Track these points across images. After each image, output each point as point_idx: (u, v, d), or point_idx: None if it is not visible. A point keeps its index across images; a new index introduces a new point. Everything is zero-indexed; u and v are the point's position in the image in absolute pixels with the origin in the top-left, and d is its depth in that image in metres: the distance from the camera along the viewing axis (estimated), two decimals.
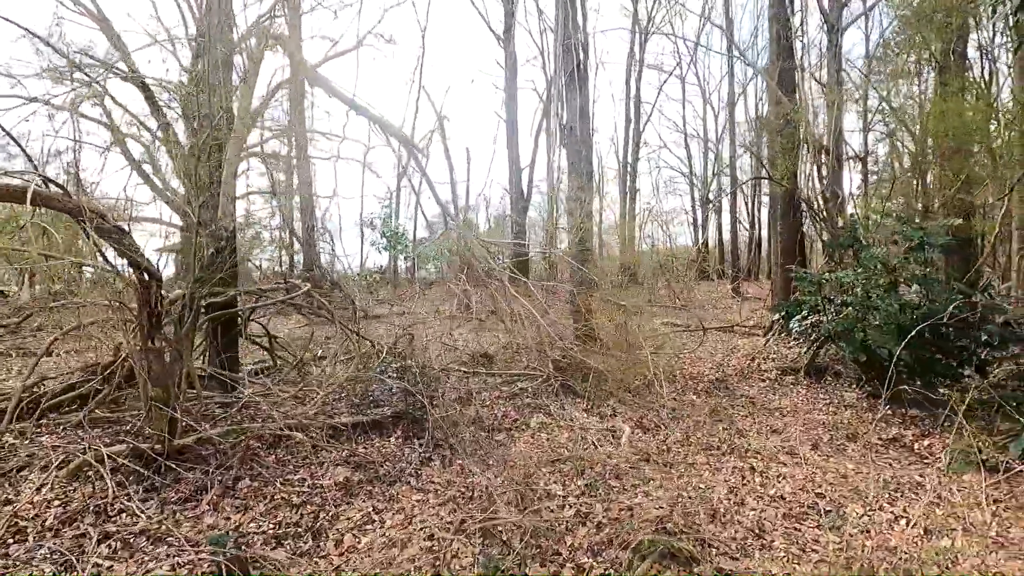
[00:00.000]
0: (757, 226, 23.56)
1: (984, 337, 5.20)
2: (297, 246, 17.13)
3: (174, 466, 3.69)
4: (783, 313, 6.58)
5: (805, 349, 6.78)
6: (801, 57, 9.89)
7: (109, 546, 2.90)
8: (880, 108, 14.38)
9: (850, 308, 5.30)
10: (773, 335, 7.97)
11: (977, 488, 3.70)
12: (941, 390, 5.61)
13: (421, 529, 3.23)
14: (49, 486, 3.40)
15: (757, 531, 3.22)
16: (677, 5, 23.56)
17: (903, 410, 5.46)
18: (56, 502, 3.27)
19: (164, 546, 2.94)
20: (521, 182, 19.49)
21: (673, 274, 16.57)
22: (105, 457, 3.52)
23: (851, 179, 20.29)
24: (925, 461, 4.33)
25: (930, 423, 5.10)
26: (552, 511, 3.42)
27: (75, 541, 2.93)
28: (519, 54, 19.18)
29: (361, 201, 27.61)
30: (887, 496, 3.63)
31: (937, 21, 9.37)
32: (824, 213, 8.01)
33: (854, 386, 6.15)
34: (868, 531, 3.23)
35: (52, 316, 9.53)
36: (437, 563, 2.86)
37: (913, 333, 4.19)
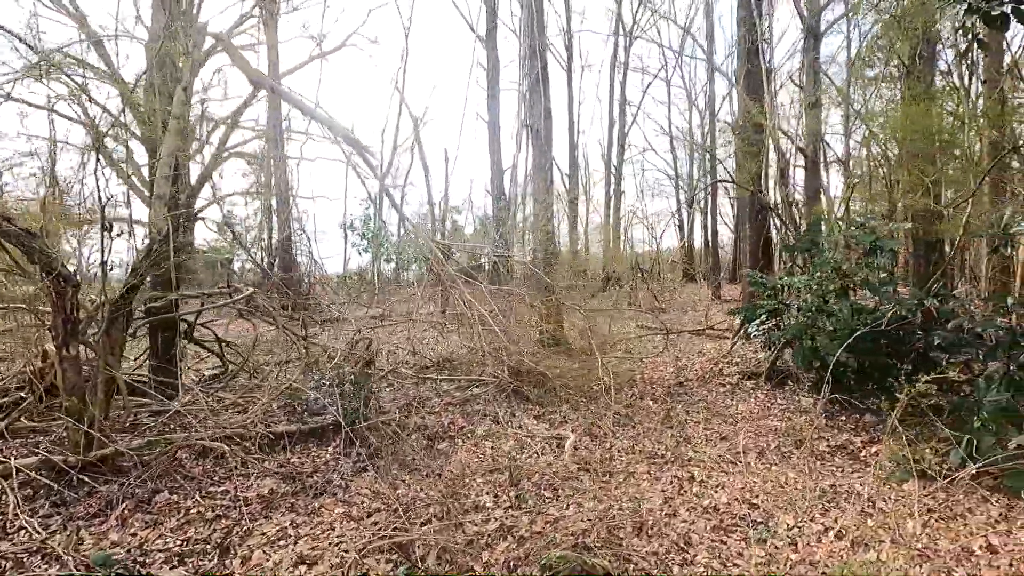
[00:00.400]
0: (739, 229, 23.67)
1: (937, 341, 5.17)
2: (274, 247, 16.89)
3: (88, 479, 3.55)
4: (742, 317, 6.52)
5: (766, 354, 6.73)
6: (770, 60, 9.86)
7: None
8: (860, 113, 14.46)
9: (799, 314, 5.26)
10: (739, 339, 7.92)
11: (920, 496, 3.64)
12: (899, 396, 5.58)
13: (336, 545, 3.11)
14: None
15: (682, 544, 3.13)
16: (658, 16, 23.57)
17: (857, 416, 5.41)
18: None
19: (57, 566, 2.81)
20: (503, 183, 19.42)
21: (652, 276, 16.51)
22: (14, 470, 3.39)
23: (829, 182, 20.44)
24: (869, 469, 4.27)
25: (881, 430, 5.05)
26: (475, 524, 3.32)
27: None
28: (503, 55, 19.12)
29: (345, 203, 27.38)
30: (820, 506, 3.57)
31: (904, 24, 9.41)
32: (787, 216, 7.98)
33: (812, 392, 6.10)
34: (795, 543, 3.16)
35: None
36: None
37: (851, 339, 4.13)
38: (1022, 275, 8.42)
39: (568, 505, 3.62)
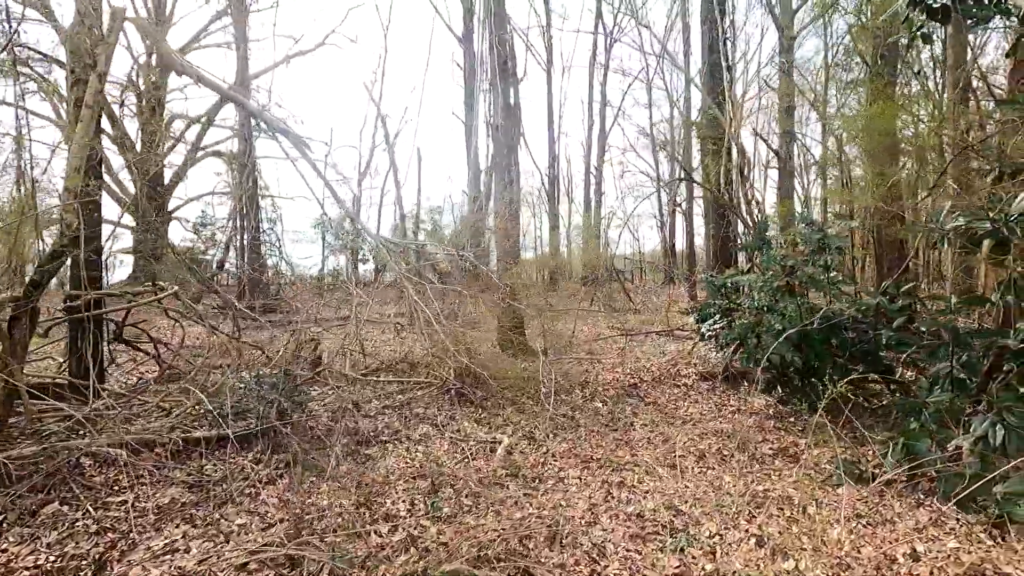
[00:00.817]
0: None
1: (883, 340, 5.08)
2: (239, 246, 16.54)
3: None
4: (697, 317, 6.41)
5: (720, 354, 6.62)
6: (736, 59, 9.79)
7: None
8: (832, 114, 14.51)
9: (745, 312, 5.14)
10: (700, 339, 7.80)
11: (846, 501, 3.52)
12: (860, 396, 5.50)
13: (225, 560, 2.91)
14: None
15: (595, 555, 2.97)
16: (637, 19, 23.58)
17: (806, 418, 5.31)
18: None
19: None
20: (480, 183, 19.27)
21: (626, 278, 16.43)
22: None
23: (810, 183, 20.56)
24: (807, 472, 4.14)
25: (825, 432, 4.94)
26: (380, 536, 3.13)
27: None
28: (480, 53, 18.96)
29: (322, 203, 26.97)
30: (747, 512, 3.42)
31: (869, 26, 9.41)
32: (748, 216, 7.90)
33: (765, 393, 5.99)
34: (714, 552, 3.01)
35: None
36: None
37: (782, 339, 4.00)
38: (986, 274, 8.42)
39: (487, 513, 3.45)
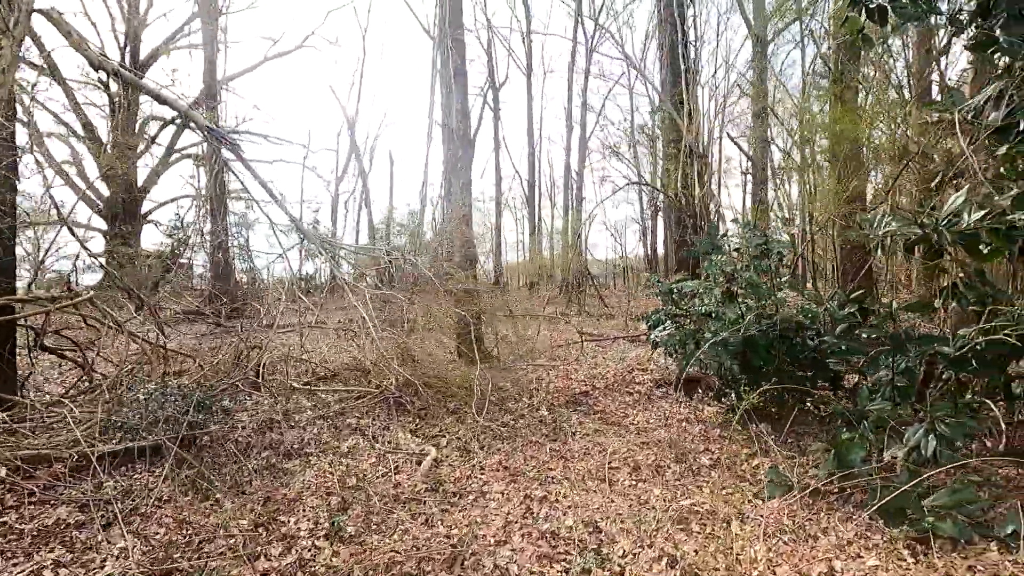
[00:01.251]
0: None
1: (829, 348, 4.98)
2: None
3: None
4: (649, 323, 6.27)
5: (671, 360, 6.50)
6: (695, 61, 9.77)
7: None
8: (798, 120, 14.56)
9: (688, 319, 5.02)
10: (653, 346, 7.67)
11: (775, 515, 3.37)
12: (809, 404, 5.39)
13: None
14: None
15: None
16: (617, 25, 23.65)
17: (753, 425, 5.18)
18: None
19: None
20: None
21: (600, 283, 16.34)
22: None
23: (789, 189, 20.67)
24: (741, 484, 4.00)
25: (773, 441, 4.81)
26: (271, 559, 2.92)
27: None
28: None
29: (301, 207, 26.64)
30: (667, 529, 3.26)
31: (834, 31, 9.41)
32: (705, 220, 7.83)
33: (715, 400, 5.86)
34: (622, 573, 2.84)
35: None
36: None
37: (720, 344, 3.86)
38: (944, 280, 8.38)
39: (395, 532, 3.25)
